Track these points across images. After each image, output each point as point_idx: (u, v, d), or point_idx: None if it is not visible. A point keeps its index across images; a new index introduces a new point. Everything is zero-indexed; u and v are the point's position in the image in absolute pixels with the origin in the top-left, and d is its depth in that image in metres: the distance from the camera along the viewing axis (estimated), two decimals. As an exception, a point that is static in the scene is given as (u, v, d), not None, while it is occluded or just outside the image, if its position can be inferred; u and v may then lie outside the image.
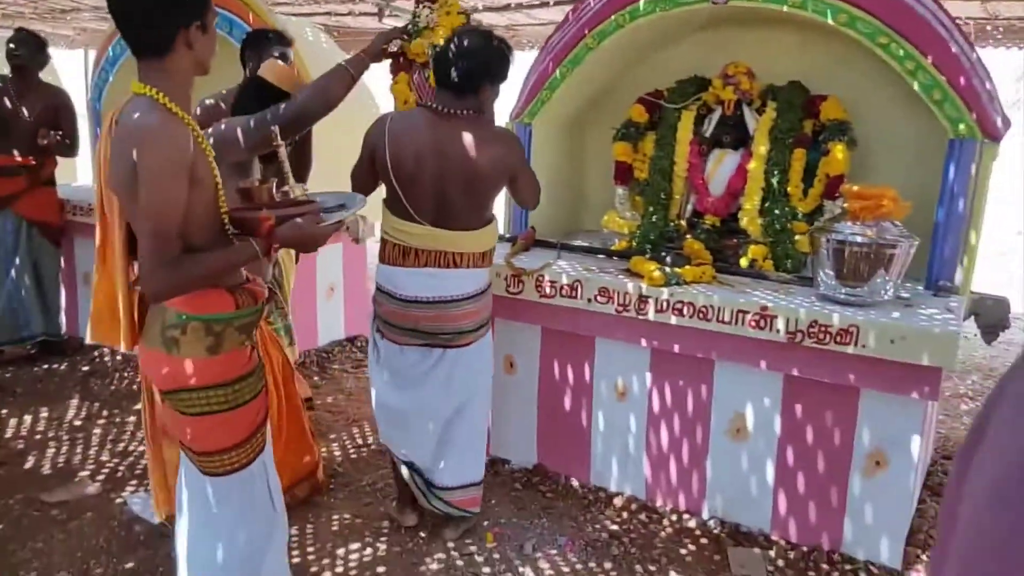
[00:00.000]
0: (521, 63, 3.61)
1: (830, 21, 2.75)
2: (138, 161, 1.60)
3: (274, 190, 1.98)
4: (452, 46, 2.42)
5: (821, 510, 2.67)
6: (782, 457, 2.71)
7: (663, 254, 2.94)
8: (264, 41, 2.98)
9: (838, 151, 2.94)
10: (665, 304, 2.74)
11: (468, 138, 2.42)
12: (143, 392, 2.22)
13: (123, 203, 1.76)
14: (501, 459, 3.29)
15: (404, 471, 2.73)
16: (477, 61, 2.39)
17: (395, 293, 2.54)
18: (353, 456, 3.49)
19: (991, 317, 2.90)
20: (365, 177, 2.54)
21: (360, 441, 3.61)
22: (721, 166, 3.21)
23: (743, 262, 3.00)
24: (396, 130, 2.45)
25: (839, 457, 2.60)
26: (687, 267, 2.83)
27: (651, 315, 2.77)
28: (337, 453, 3.51)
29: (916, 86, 2.66)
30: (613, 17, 3.14)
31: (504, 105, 3.63)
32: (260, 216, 1.78)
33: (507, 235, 3.48)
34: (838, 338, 2.45)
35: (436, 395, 2.63)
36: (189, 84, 1.74)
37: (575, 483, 3.15)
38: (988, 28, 5.30)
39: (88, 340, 2.11)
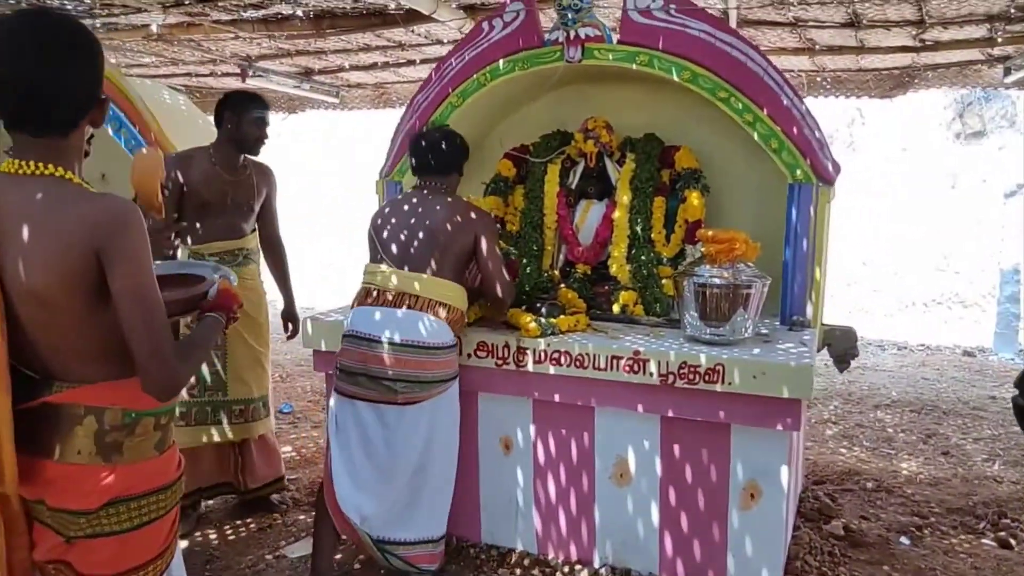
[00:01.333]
0: (389, 121, 3.64)
1: (675, 78, 2.93)
2: (118, 250, 1.42)
3: None
4: (417, 144, 2.85)
5: (705, 547, 2.73)
6: (664, 498, 2.76)
7: (538, 305, 2.98)
8: (244, 102, 3.12)
9: (694, 198, 3.11)
10: (543, 355, 2.77)
11: (436, 205, 2.75)
12: (1, 536, 1.57)
13: (57, 305, 1.45)
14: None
15: (357, 530, 2.65)
16: (432, 151, 2.85)
17: (350, 330, 2.67)
18: (231, 536, 3.28)
19: (841, 347, 3.11)
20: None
21: (237, 521, 3.40)
22: (588, 216, 3.32)
23: (615, 308, 3.09)
24: (381, 209, 2.85)
25: (717, 493, 2.68)
26: (562, 316, 2.88)
27: (530, 366, 2.79)
28: (213, 535, 3.28)
29: (756, 136, 2.87)
30: (475, 76, 3.22)
31: (375, 164, 3.64)
32: (223, 288, 1.76)
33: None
34: (706, 377, 2.55)
35: (397, 452, 2.64)
36: (81, 161, 1.56)
37: (467, 543, 3.09)
38: (818, 79, 5.82)
39: None
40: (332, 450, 2.68)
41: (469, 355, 2.86)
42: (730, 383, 2.52)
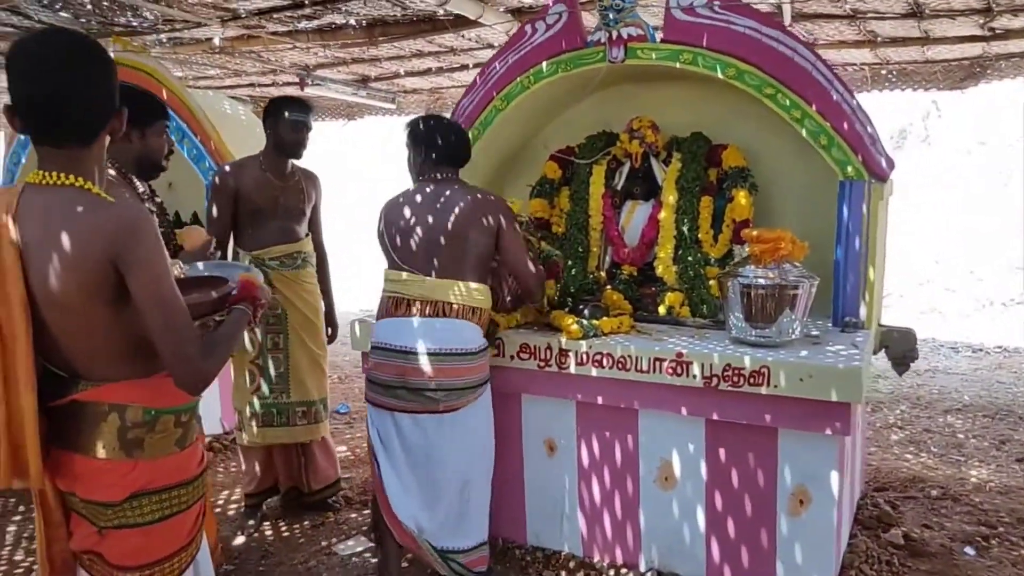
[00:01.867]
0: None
1: (720, 75, 2.88)
2: (134, 257, 1.49)
3: None
4: (434, 133, 2.72)
5: (753, 553, 2.67)
6: (710, 502, 2.72)
7: (581, 307, 2.97)
8: (281, 107, 3.20)
9: (741, 197, 3.05)
10: (585, 356, 2.76)
11: (456, 198, 2.64)
12: (39, 523, 1.72)
13: (74, 308, 1.53)
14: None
15: (416, 539, 2.63)
16: (446, 143, 2.75)
17: (383, 344, 2.62)
18: (285, 533, 3.38)
19: (899, 349, 3.00)
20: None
21: (292, 518, 3.50)
22: (634, 217, 3.29)
23: (661, 310, 3.05)
24: (390, 205, 2.74)
25: (765, 498, 2.62)
26: (604, 318, 2.87)
27: (572, 368, 2.79)
28: (268, 532, 3.39)
29: (804, 132, 2.79)
30: (518, 79, 3.23)
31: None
32: (245, 281, 1.81)
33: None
34: (751, 380, 2.50)
35: (441, 462, 2.62)
36: (103, 176, 1.64)
37: (512, 544, 3.10)
38: (882, 72, 5.62)
39: (19, 484, 1.58)
40: (380, 463, 2.65)
41: (512, 357, 2.87)
42: (776, 386, 2.46)
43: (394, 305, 2.63)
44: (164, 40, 4.97)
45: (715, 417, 2.62)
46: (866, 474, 3.80)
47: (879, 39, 4.77)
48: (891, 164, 2.86)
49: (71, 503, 1.66)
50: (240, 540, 3.30)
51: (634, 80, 3.39)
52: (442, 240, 2.58)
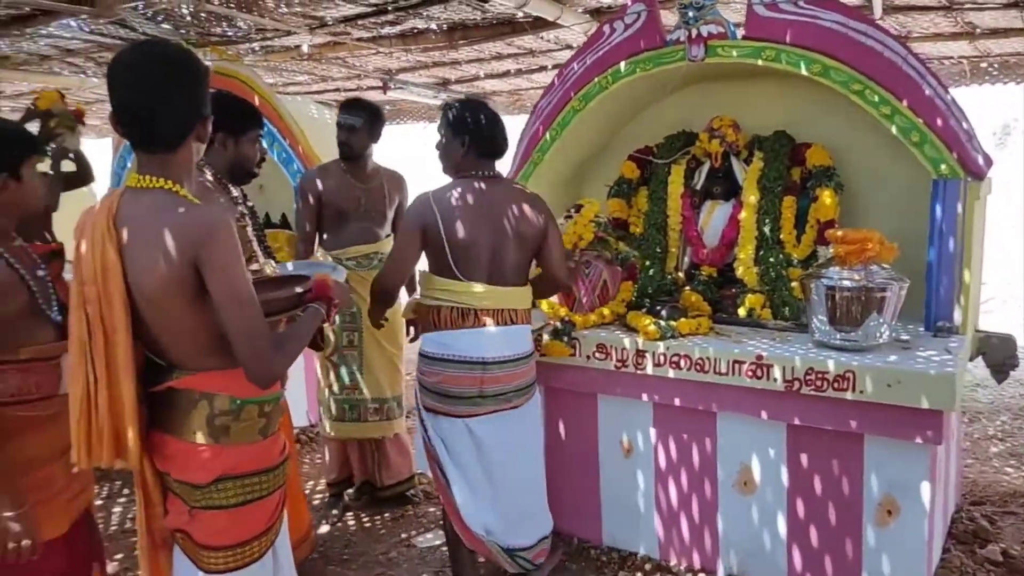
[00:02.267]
0: (519, 127, 3.72)
1: (804, 72, 2.81)
2: (211, 256, 1.58)
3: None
4: (488, 115, 2.54)
5: (837, 563, 2.59)
6: (792, 509, 2.65)
7: (658, 308, 2.95)
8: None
9: (826, 196, 2.97)
10: (662, 358, 2.74)
11: (511, 198, 2.55)
12: (139, 501, 1.85)
13: (161, 304, 1.63)
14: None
15: (485, 543, 2.59)
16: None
17: (456, 356, 2.49)
18: (367, 525, 3.48)
19: (998, 355, 2.85)
20: (408, 261, 2.57)
21: (373, 511, 3.60)
22: (713, 217, 3.25)
23: (741, 311, 3.00)
24: (446, 200, 2.49)
25: (850, 507, 2.54)
26: (682, 319, 2.84)
27: (649, 369, 2.77)
28: (351, 523, 3.50)
29: (894, 130, 2.69)
30: (596, 80, 3.23)
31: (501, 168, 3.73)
32: (319, 280, 1.89)
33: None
34: (835, 384, 2.43)
35: (510, 459, 2.59)
36: (192, 179, 1.75)
37: (588, 544, 3.11)
38: (982, 65, 5.34)
39: (90, 465, 1.71)
40: (449, 475, 2.55)
41: (588, 357, 2.88)
42: (862, 391, 2.39)
43: (460, 316, 2.49)
44: (256, 48, 5.20)
45: (797, 422, 2.56)
46: (962, 487, 3.62)
47: (978, 31, 4.54)
48: (989, 161, 2.72)
49: (167, 482, 1.78)
50: (324, 529, 3.42)
51: (715, 78, 3.34)
52: (508, 247, 2.51)
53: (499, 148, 2.58)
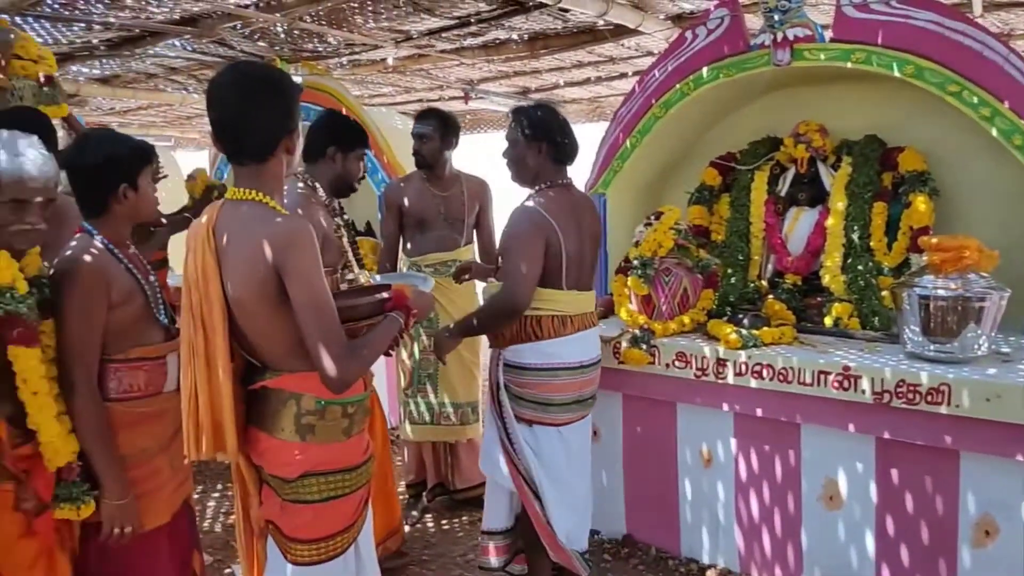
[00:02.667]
0: (599, 134, 3.73)
1: (897, 74, 2.72)
2: (291, 264, 1.66)
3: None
4: (561, 121, 2.51)
5: (929, 584, 2.49)
6: (881, 526, 2.56)
7: (740, 316, 2.90)
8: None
9: (920, 202, 2.86)
10: (744, 367, 2.70)
11: (585, 203, 2.61)
12: (237, 493, 1.99)
13: (250, 308, 1.74)
14: (591, 529, 3.25)
15: (569, 552, 2.58)
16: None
17: (563, 364, 2.49)
18: (446, 527, 3.55)
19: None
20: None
21: (452, 514, 3.67)
22: (798, 224, 3.17)
23: (827, 321, 2.92)
24: (556, 210, 2.45)
25: (944, 526, 2.43)
26: (765, 328, 2.78)
27: (730, 379, 2.73)
28: (430, 525, 3.57)
29: (995, 132, 2.57)
30: (678, 86, 3.21)
31: (579, 176, 3.75)
32: (397, 290, 1.95)
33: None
34: (928, 398, 2.33)
35: (585, 463, 2.66)
36: (280, 189, 1.85)
37: (666, 554, 3.08)
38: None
39: (199, 456, 1.81)
40: (540, 486, 2.50)
41: (667, 365, 2.86)
42: (957, 405, 2.29)
43: (561, 324, 2.49)
44: (344, 62, 5.39)
45: (886, 436, 2.47)
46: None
47: (1090, 26, 4.28)
48: (1101, 164, 2.56)
49: (263, 475, 1.88)
50: (405, 529, 3.51)
51: (802, 82, 3.27)
52: (589, 252, 2.58)
53: (574, 152, 2.56)
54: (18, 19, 3.98)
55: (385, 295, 1.94)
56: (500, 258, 2.56)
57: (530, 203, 2.47)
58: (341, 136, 2.71)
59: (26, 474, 1.81)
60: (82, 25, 4.20)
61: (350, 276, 2.20)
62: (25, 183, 1.76)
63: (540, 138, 2.46)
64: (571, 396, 2.52)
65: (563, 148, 2.50)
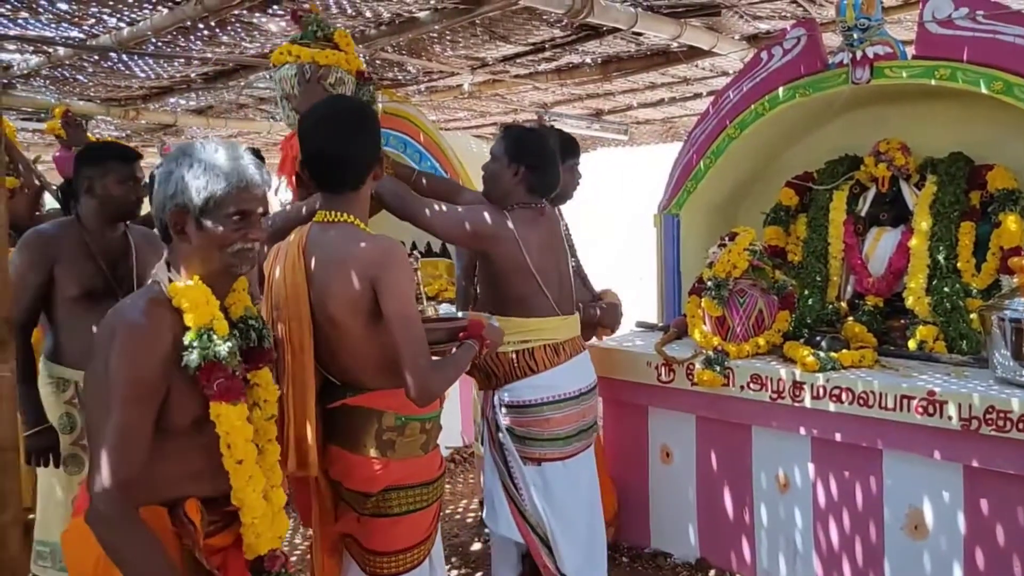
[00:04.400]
0: (672, 155, 3.74)
1: (984, 90, 2.64)
2: (387, 280, 1.75)
3: None
4: (547, 151, 2.44)
5: (1024, 621, 2.37)
6: (970, 559, 2.45)
7: (817, 338, 2.85)
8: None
9: (1010, 222, 2.76)
10: (822, 390, 2.64)
11: (560, 226, 2.57)
12: (314, 507, 2.00)
13: (343, 325, 1.80)
14: (663, 552, 3.22)
15: None
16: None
17: (564, 394, 2.43)
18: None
19: None
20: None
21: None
22: (879, 245, 3.10)
23: (911, 344, 2.83)
24: (523, 232, 2.36)
25: (1039, 560, 2.32)
26: (844, 351, 2.72)
27: (807, 402, 2.68)
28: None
29: (1091, 149, 2.47)
30: (752, 107, 3.20)
31: (653, 196, 3.75)
32: (473, 320, 2.05)
33: (659, 323, 3.52)
34: (1020, 425, 2.24)
35: (595, 496, 2.59)
36: (367, 213, 1.95)
37: (741, 580, 3.02)
38: None
39: (285, 474, 1.75)
40: (550, 532, 2.43)
41: (742, 387, 2.82)
42: (1051, 433, 2.19)
43: (554, 352, 2.43)
44: (422, 89, 5.56)
45: (975, 464, 2.38)
46: None
47: None
48: None
49: (339, 491, 1.96)
50: (477, 547, 3.55)
51: (883, 100, 3.21)
52: (568, 272, 2.56)
53: (550, 187, 2.45)
54: (125, 56, 4.30)
55: (462, 323, 2.03)
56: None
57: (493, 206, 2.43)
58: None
59: (221, 570, 1.50)
60: (181, 60, 4.48)
61: (419, 308, 2.28)
62: (251, 191, 1.48)
63: (520, 162, 2.38)
64: (575, 427, 2.47)
65: (540, 179, 2.41)
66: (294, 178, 2.48)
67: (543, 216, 2.47)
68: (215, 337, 1.43)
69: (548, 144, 2.47)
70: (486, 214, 2.35)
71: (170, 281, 1.46)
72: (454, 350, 2.00)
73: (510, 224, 2.35)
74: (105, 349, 1.38)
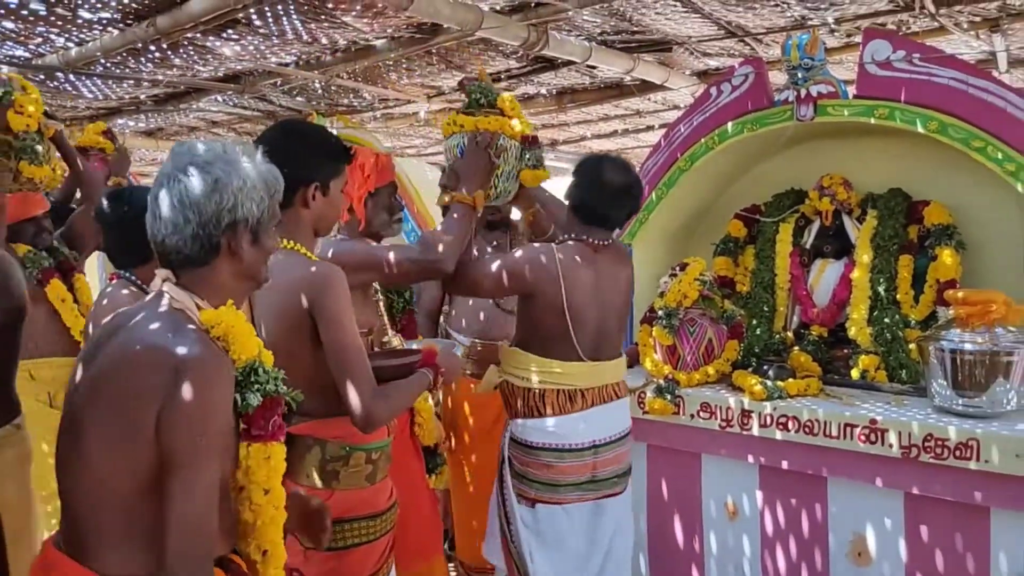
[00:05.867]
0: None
1: (921, 129, 2.75)
2: (325, 306, 1.72)
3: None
4: (605, 183, 2.33)
5: (964, 647, 2.42)
6: (912, 584, 2.51)
7: (765, 367, 2.91)
8: None
9: (946, 256, 2.86)
10: (769, 419, 2.69)
11: (615, 266, 2.42)
12: None
13: (282, 352, 1.69)
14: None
15: None
16: (634, 199, 2.40)
17: (569, 445, 2.31)
18: None
19: None
20: (498, 286, 2.34)
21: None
22: (824, 276, 3.18)
23: (854, 373, 2.90)
24: (567, 269, 2.27)
25: (977, 585, 2.38)
26: (790, 380, 2.78)
27: (755, 430, 2.72)
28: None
29: (1020, 187, 2.58)
30: (703, 140, 3.28)
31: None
32: (426, 350, 1.99)
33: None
34: (957, 453, 2.31)
35: (599, 551, 2.41)
36: (310, 237, 1.88)
37: (691, 609, 3.03)
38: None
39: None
40: (529, 564, 2.33)
41: (692, 415, 2.86)
42: (987, 461, 2.26)
43: (568, 400, 2.32)
44: (378, 115, 5.57)
45: (915, 491, 2.44)
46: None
47: (1118, 81, 4.30)
48: None
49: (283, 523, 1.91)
50: None
51: (827, 137, 3.32)
52: (612, 315, 2.40)
53: (602, 219, 2.36)
54: (72, 76, 4.21)
55: (414, 359, 1.98)
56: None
57: (548, 245, 2.38)
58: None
59: None
60: (131, 82, 4.41)
61: (384, 339, 2.25)
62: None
63: (574, 189, 2.36)
64: (583, 477, 2.34)
65: (591, 210, 2.33)
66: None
67: (598, 253, 2.35)
68: (269, 371, 1.34)
69: (605, 169, 2.34)
70: (528, 255, 2.28)
71: (198, 308, 1.30)
72: None
73: (555, 262, 2.25)
74: (163, 391, 1.17)
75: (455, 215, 2.19)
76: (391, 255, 2.13)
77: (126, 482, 1.20)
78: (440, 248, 2.11)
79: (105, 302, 2.25)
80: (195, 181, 1.27)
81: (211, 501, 1.22)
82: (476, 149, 2.29)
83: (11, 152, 2.63)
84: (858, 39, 3.39)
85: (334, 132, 2.13)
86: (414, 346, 2.29)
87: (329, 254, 2.09)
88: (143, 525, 1.20)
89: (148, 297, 1.37)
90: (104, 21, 3.45)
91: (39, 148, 2.69)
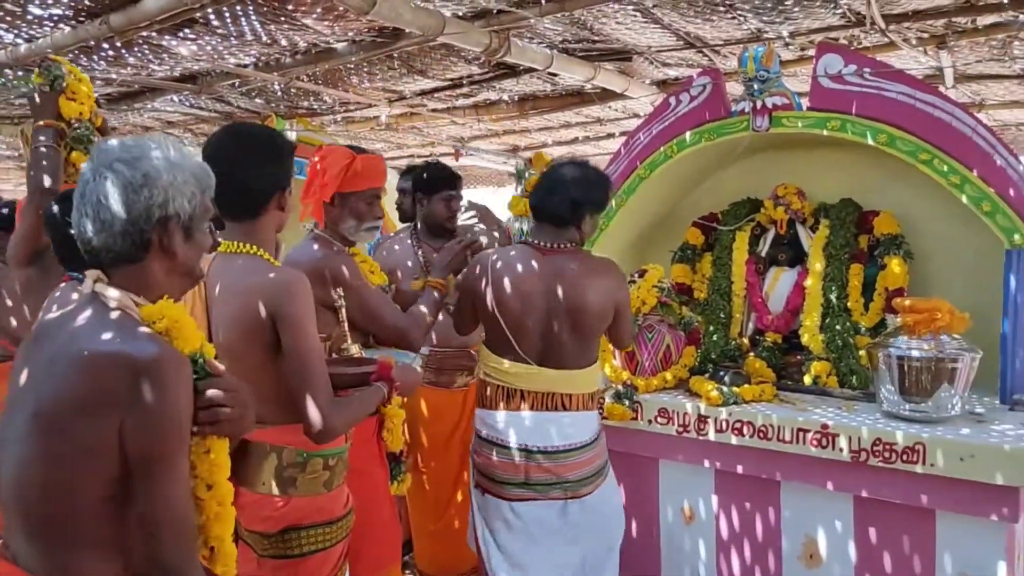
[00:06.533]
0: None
1: (871, 142, 2.83)
2: (287, 312, 1.70)
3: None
4: (550, 178, 2.36)
5: (910, 645, 2.48)
6: (861, 586, 2.57)
7: (721, 373, 2.95)
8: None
9: (894, 265, 2.95)
10: (725, 424, 2.73)
11: (574, 272, 2.30)
12: None
13: (240, 357, 1.74)
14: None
15: None
16: (580, 191, 2.31)
17: (500, 440, 2.33)
18: None
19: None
20: (466, 319, 2.50)
21: None
22: (778, 284, 3.25)
23: (807, 379, 2.97)
24: (499, 268, 2.33)
25: (923, 586, 2.45)
26: (745, 386, 2.83)
27: (711, 435, 2.76)
28: None
29: (964, 199, 2.68)
30: (662, 149, 3.32)
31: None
32: (382, 362, 1.98)
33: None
34: (904, 456, 2.37)
35: (561, 552, 2.34)
36: (272, 242, 1.89)
37: (648, 613, 3.05)
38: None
39: None
40: (485, 550, 2.39)
41: (650, 421, 2.89)
42: (932, 464, 2.33)
43: (505, 396, 2.33)
44: (338, 119, 5.52)
45: (864, 494, 2.50)
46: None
47: (1056, 98, 4.48)
48: (1065, 231, 2.66)
49: (238, 531, 1.87)
50: None
51: (781, 147, 3.39)
52: (564, 321, 2.29)
53: (546, 208, 2.34)
54: (20, 73, 4.09)
55: (370, 368, 1.97)
56: None
57: (488, 252, 2.47)
58: (421, 180, 3.23)
59: None
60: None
61: (344, 346, 2.23)
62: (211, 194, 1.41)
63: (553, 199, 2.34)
64: (518, 478, 2.31)
65: (539, 210, 2.37)
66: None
67: (547, 255, 2.32)
68: (212, 362, 1.30)
69: (554, 168, 2.42)
70: (472, 262, 2.47)
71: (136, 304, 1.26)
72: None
73: (488, 265, 2.36)
74: (124, 396, 1.14)
75: (434, 297, 2.46)
76: (388, 317, 2.34)
77: (86, 491, 1.17)
78: (423, 331, 2.38)
79: (55, 306, 2.20)
80: (123, 177, 1.24)
81: (189, 494, 1.24)
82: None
83: (62, 142, 2.44)
84: (812, 52, 3.48)
85: (294, 135, 2.12)
86: (375, 355, 2.27)
87: (344, 270, 2.25)
88: (105, 533, 1.18)
89: (76, 299, 1.32)
90: (55, 18, 3.36)
91: (94, 139, 2.49)
